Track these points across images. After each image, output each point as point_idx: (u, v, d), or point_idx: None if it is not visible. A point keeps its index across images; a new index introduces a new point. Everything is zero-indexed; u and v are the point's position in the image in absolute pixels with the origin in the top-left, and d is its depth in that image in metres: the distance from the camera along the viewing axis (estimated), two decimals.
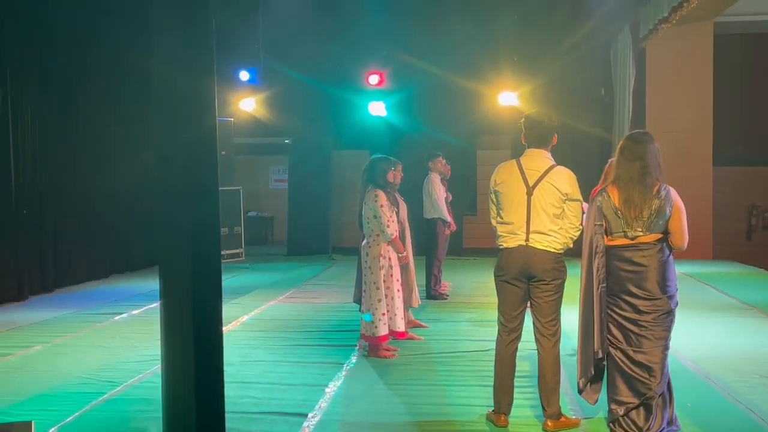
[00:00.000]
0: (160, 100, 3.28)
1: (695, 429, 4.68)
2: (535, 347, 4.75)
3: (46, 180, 10.25)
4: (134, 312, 8.81)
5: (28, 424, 3.41)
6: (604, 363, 4.48)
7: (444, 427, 4.79)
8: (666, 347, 4.37)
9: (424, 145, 11.50)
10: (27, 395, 5.52)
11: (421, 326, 7.69)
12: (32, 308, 9.15)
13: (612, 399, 4.46)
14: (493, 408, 4.83)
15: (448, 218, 9.56)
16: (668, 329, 4.36)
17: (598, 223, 4.42)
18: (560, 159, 4.77)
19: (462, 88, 13.36)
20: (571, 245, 4.70)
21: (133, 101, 12.10)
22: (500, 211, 4.75)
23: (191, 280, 3.23)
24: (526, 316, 4.78)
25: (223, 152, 13.41)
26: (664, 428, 4.37)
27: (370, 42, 13.57)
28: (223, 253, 12.33)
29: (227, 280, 11.05)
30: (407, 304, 7.22)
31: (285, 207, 15.58)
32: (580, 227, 4.65)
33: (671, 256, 4.40)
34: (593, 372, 4.48)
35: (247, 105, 14.63)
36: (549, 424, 4.66)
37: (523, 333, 4.81)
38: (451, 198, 9.94)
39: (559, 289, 4.67)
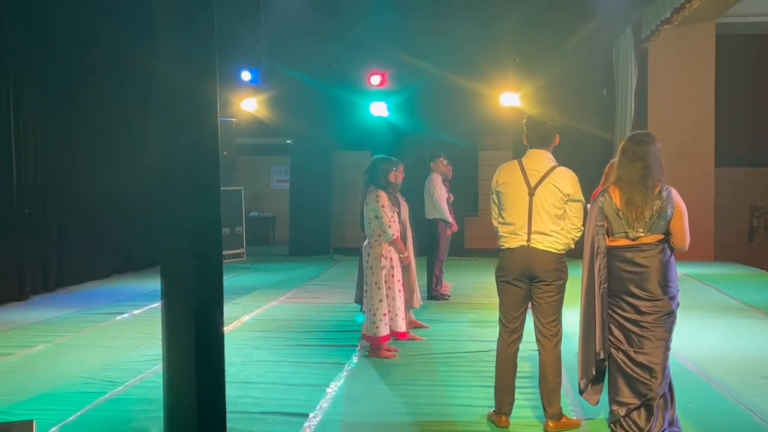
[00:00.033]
0: (162, 100, 3.28)
1: (696, 430, 4.68)
2: (537, 348, 4.75)
3: (47, 180, 10.26)
4: (136, 312, 8.82)
5: (29, 423, 3.41)
6: (606, 364, 4.48)
7: (445, 427, 4.79)
8: (667, 348, 4.37)
9: (425, 145, 11.50)
10: (28, 395, 5.52)
11: (422, 327, 7.69)
12: (34, 308, 9.15)
13: (613, 400, 4.46)
14: (494, 408, 4.83)
15: (450, 219, 9.56)
16: (669, 330, 4.36)
17: (600, 223, 4.42)
18: (562, 159, 4.77)
19: (464, 89, 13.36)
20: (573, 246, 4.70)
21: (133, 101, 12.11)
22: (502, 212, 4.75)
23: (192, 280, 3.23)
24: (527, 317, 4.78)
25: (225, 152, 13.44)
26: (665, 429, 4.37)
27: (372, 42, 13.58)
28: (224, 253, 12.36)
29: (228, 280, 11.06)
30: (408, 304, 7.22)
31: (286, 207, 15.58)
32: (582, 228, 4.65)
33: (673, 257, 4.40)
34: (594, 373, 4.48)
35: (249, 105, 14.63)
36: (550, 424, 4.66)
37: (524, 334, 4.81)
38: (452, 198, 9.94)
39: (561, 290, 4.67)
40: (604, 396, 4.55)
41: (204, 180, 3.26)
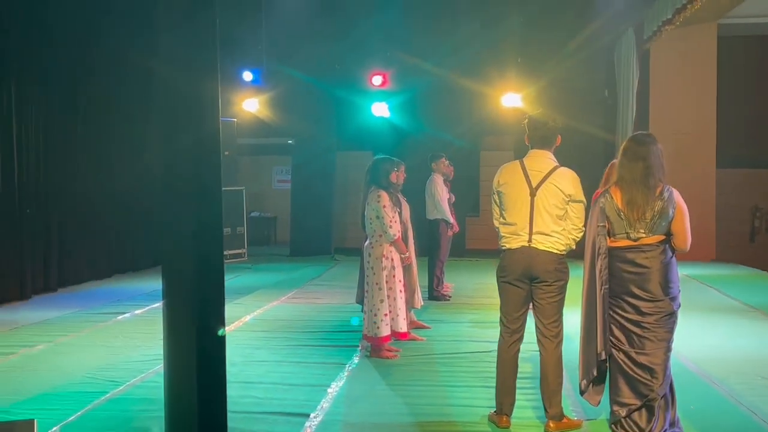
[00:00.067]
0: (163, 100, 3.28)
1: (697, 430, 4.67)
2: (538, 348, 4.75)
3: (49, 180, 10.27)
4: (137, 312, 8.82)
5: (30, 422, 3.41)
6: (607, 364, 4.48)
7: (446, 427, 4.79)
8: (668, 349, 4.37)
9: (427, 145, 11.50)
10: (29, 394, 5.53)
11: (423, 327, 7.69)
12: (35, 307, 9.16)
13: (614, 400, 4.46)
14: (495, 409, 4.82)
15: (451, 219, 9.56)
16: (670, 331, 4.36)
17: (601, 224, 4.42)
18: (563, 160, 4.77)
19: (465, 89, 13.37)
20: (574, 246, 4.69)
21: (135, 101, 12.13)
22: (503, 212, 4.75)
23: (194, 280, 3.24)
24: (528, 318, 4.78)
25: (226, 152, 13.45)
26: (666, 430, 4.37)
27: (374, 43, 13.59)
28: (225, 253, 12.36)
29: (230, 281, 11.06)
30: (410, 304, 7.22)
31: (288, 207, 15.58)
32: (583, 229, 4.65)
33: (674, 258, 4.39)
34: (595, 373, 4.48)
35: (251, 105, 14.64)
36: (551, 425, 4.65)
37: (525, 334, 4.81)
38: (453, 199, 9.94)
39: (562, 291, 4.67)
40: (605, 397, 4.55)
41: (205, 180, 3.26)
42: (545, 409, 4.70)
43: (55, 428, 4.74)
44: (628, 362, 4.38)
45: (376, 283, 6.50)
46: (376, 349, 6.55)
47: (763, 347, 6.93)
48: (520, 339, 4.78)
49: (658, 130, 11.66)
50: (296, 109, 14.44)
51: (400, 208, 6.90)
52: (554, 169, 4.65)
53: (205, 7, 3.23)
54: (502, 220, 4.76)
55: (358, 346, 6.91)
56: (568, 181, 4.62)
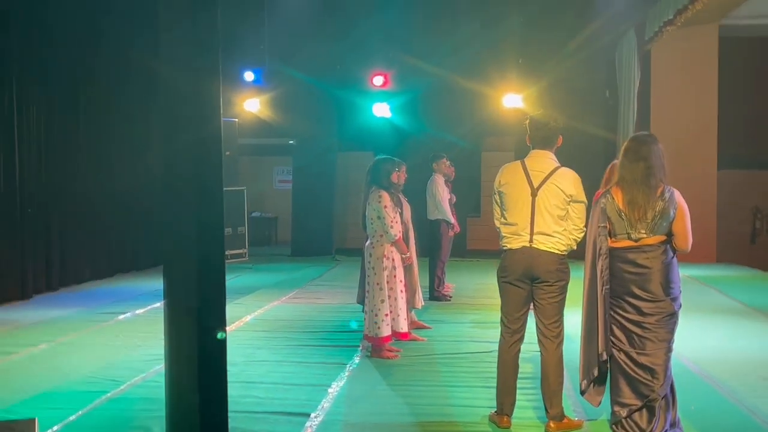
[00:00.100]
0: (164, 100, 3.28)
1: (697, 431, 4.67)
2: (538, 349, 4.75)
3: (50, 179, 10.27)
4: (138, 311, 8.83)
5: (31, 421, 3.41)
6: (608, 365, 4.48)
7: (446, 427, 4.80)
8: (669, 349, 4.37)
9: (428, 146, 11.50)
10: (31, 393, 5.53)
11: (424, 327, 7.69)
12: (36, 307, 9.16)
13: (615, 401, 4.46)
14: (495, 409, 4.83)
15: (452, 220, 9.57)
16: (671, 331, 4.36)
17: (602, 224, 4.42)
18: (565, 160, 4.77)
19: (466, 90, 13.37)
20: (575, 247, 4.70)
21: (136, 101, 12.14)
22: (504, 212, 4.75)
23: (195, 280, 3.23)
24: (529, 318, 4.78)
25: (228, 153, 13.45)
26: (667, 430, 4.37)
27: (375, 43, 13.59)
28: (226, 253, 12.35)
29: (231, 281, 11.07)
30: (411, 305, 7.22)
31: (289, 208, 15.59)
32: (584, 229, 4.65)
33: (675, 259, 4.39)
34: (596, 374, 4.48)
35: (252, 105, 14.65)
36: (552, 425, 4.65)
37: (526, 334, 4.81)
38: (455, 199, 9.94)
39: (563, 291, 4.67)
40: (606, 397, 4.55)
41: (206, 180, 3.26)
42: (546, 410, 4.70)
43: (56, 427, 4.75)
44: (628, 363, 4.38)
45: (377, 284, 6.50)
46: (376, 349, 6.56)
47: (763, 348, 6.93)
48: (521, 339, 4.78)
49: (659, 130, 11.65)
50: (297, 109, 14.45)
51: (401, 209, 6.90)
52: (555, 169, 4.65)
53: (206, 6, 3.23)
54: (503, 220, 4.76)
55: (358, 346, 6.91)
56: (569, 181, 4.62)
